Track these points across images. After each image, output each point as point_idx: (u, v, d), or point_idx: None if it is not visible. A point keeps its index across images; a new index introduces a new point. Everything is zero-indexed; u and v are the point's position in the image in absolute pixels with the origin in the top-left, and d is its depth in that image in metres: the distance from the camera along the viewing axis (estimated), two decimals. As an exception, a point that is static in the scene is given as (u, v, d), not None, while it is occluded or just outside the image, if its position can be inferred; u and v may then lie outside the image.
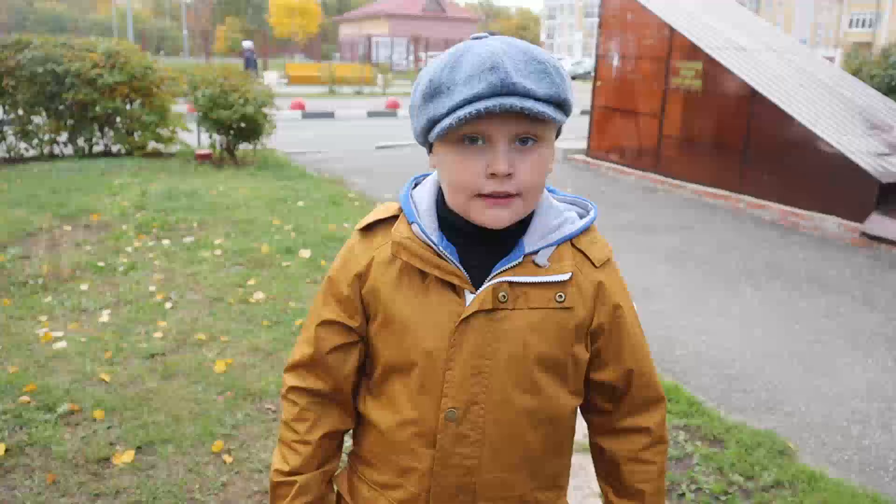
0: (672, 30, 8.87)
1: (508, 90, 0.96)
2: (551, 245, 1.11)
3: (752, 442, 3.15)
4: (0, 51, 9.02)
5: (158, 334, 3.84)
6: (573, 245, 1.13)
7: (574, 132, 13.01)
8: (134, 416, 3.01)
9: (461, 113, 0.97)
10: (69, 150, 9.73)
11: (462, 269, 1.09)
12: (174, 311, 4.21)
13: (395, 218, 1.16)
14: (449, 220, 1.12)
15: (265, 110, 9.42)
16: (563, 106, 1.03)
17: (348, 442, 1.25)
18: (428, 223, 1.12)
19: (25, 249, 5.25)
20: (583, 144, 10.97)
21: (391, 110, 19.58)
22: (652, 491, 1.22)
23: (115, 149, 9.95)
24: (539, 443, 1.15)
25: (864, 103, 8.14)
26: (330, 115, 18.01)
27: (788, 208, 7.30)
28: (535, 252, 1.10)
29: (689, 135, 8.96)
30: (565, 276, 1.10)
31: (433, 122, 1.02)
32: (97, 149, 9.86)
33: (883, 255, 6.30)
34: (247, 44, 23.67)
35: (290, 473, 1.18)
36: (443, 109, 1.00)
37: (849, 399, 3.70)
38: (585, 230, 1.15)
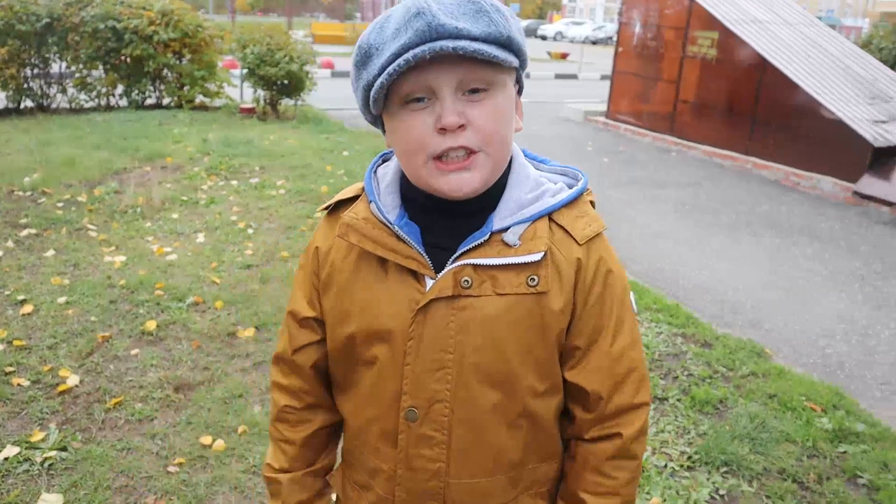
0: (692, 0, 9.45)
1: (438, 33, 0.85)
2: (524, 221, 0.97)
3: (736, 346, 3.91)
4: (65, 8, 9.74)
5: (249, 252, 4.65)
6: (553, 220, 0.99)
7: (597, 96, 13.67)
8: (246, 306, 3.83)
9: (391, 68, 0.86)
10: (124, 102, 10.48)
11: (422, 250, 0.97)
12: (256, 235, 5.01)
13: (358, 198, 1.06)
14: (411, 197, 1.01)
15: (307, 68, 10.12)
16: (508, 46, 0.90)
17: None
18: (388, 201, 1.01)
19: (118, 185, 6.05)
20: (603, 107, 11.62)
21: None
22: None
23: (165, 102, 10.70)
24: (516, 446, 1.02)
25: (868, 74, 8.72)
26: (358, 74, 18.51)
27: (790, 169, 7.98)
28: (505, 229, 0.97)
29: (702, 100, 9.61)
30: (537, 256, 0.95)
31: (368, 89, 0.92)
32: (149, 101, 10.62)
33: (872, 211, 6.98)
34: None
35: (278, 471, 1.14)
36: (375, 71, 0.89)
37: (820, 321, 4.45)
38: (571, 203, 1.01)
